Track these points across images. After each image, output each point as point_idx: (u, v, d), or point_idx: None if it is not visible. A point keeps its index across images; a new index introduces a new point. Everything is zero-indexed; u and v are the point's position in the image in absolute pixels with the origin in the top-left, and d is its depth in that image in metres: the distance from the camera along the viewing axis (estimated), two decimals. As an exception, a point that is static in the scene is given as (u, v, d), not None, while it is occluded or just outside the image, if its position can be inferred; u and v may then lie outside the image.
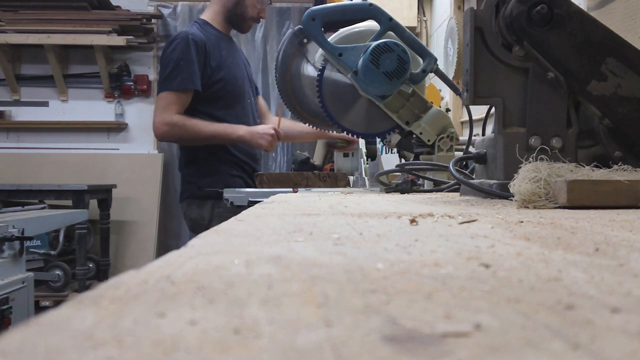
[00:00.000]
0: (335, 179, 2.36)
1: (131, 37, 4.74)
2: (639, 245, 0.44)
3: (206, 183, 2.32)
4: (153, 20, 5.03)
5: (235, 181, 2.36)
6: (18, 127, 5.02)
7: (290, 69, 1.93)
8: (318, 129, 2.03)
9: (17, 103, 5.04)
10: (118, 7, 4.92)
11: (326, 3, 3.43)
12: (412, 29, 3.85)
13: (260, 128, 2.30)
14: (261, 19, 2.40)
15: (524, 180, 0.90)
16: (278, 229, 0.55)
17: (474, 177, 1.33)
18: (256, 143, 2.27)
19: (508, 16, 1.11)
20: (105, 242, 4.49)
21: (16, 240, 2.45)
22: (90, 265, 4.36)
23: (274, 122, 2.52)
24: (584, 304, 0.25)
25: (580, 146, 1.16)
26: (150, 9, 5.08)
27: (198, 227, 2.35)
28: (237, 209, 2.25)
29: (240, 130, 2.25)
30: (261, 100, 2.67)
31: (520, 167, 0.95)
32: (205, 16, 2.38)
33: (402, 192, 1.54)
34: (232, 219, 0.68)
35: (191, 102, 2.27)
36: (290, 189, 2.10)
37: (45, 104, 5.07)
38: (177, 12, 5.08)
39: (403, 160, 1.91)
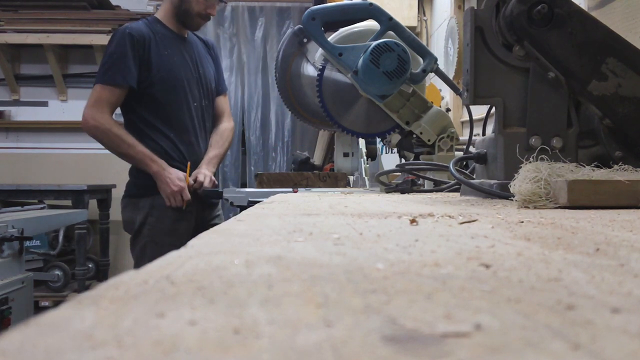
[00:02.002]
0: (336, 179, 2.36)
1: (131, 37, 4.73)
2: (639, 246, 0.44)
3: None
4: (153, 20, 5.02)
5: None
6: (18, 127, 5.01)
7: (290, 69, 1.93)
8: None
9: (17, 103, 5.04)
10: (118, 6, 4.92)
11: (326, 3, 3.42)
12: (412, 28, 3.86)
13: (172, 174, 2.16)
14: (210, 16, 2.28)
15: (524, 180, 0.90)
16: (278, 229, 0.55)
17: (474, 177, 1.33)
18: (161, 187, 2.15)
19: (508, 16, 1.11)
20: (104, 242, 4.49)
21: (16, 240, 2.45)
22: (90, 265, 4.36)
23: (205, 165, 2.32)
24: (584, 304, 0.25)
25: (581, 146, 1.16)
26: (150, 9, 5.08)
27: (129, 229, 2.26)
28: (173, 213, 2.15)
29: (154, 166, 2.14)
30: (220, 101, 2.49)
31: (521, 167, 0.95)
32: (158, 14, 2.33)
33: (402, 192, 1.54)
34: (232, 218, 0.68)
35: (128, 100, 2.20)
36: (290, 189, 2.09)
37: (44, 103, 5.06)
38: (177, 12, 5.07)
39: (403, 160, 1.91)
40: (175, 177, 2.15)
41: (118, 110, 2.25)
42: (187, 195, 2.16)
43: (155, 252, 2.06)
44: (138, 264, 2.19)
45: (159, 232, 2.17)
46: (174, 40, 2.28)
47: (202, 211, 2.29)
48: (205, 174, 2.25)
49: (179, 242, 2.32)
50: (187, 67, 2.29)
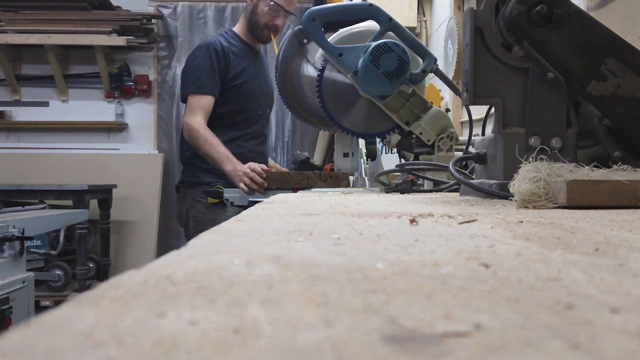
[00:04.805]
0: (337, 179, 2.36)
1: (131, 37, 4.74)
2: (638, 245, 0.44)
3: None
4: (153, 21, 5.03)
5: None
6: (18, 127, 5.02)
7: (290, 69, 1.93)
8: None
9: (18, 103, 5.04)
10: (118, 7, 4.92)
11: (326, 3, 3.42)
12: (412, 29, 3.86)
13: (242, 167, 2.27)
14: (278, 27, 2.47)
15: (523, 180, 0.90)
16: (278, 229, 0.55)
17: (473, 177, 1.33)
18: (235, 182, 2.29)
19: (508, 16, 1.11)
20: (105, 242, 4.49)
21: (16, 240, 2.45)
22: (91, 265, 4.36)
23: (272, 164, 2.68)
24: (583, 304, 0.25)
25: (580, 146, 1.16)
26: (151, 9, 5.08)
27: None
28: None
29: (229, 165, 2.30)
30: None
31: (520, 167, 0.95)
32: (235, 28, 2.57)
33: (402, 192, 1.54)
34: (232, 218, 0.68)
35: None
36: (291, 191, 2.10)
37: (45, 104, 5.07)
38: (177, 12, 5.08)
39: (403, 160, 1.91)
40: (242, 169, 2.26)
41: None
42: (259, 179, 2.22)
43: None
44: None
45: (201, 222, 2.36)
46: (249, 53, 2.52)
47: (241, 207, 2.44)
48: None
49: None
50: (259, 79, 2.54)
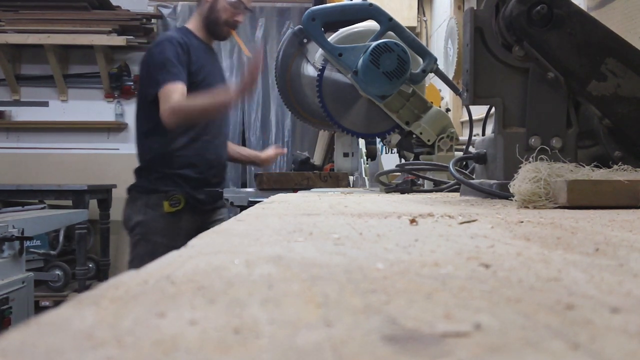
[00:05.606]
0: (337, 179, 2.36)
1: (131, 37, 4.74)
2: (639, 246, 0.44)
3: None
4: (153, 20, 5.02)
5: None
6: (18, 127, 5.02)
7: (290, 69, 1.93)
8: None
9: (17, 103, 5.04)
10: (118, 7, 4.92)
11: (326, 3, 3.42)
12: (412, 29, 3.85)
13: (231, 87, 2.25)
14: (238, 23, 2.40)
15: (524, 180, 0.90)
16: (278, 229, 0.55)
17: (474, 177, 1.33)
18: (235, 99, 2.25)
19: (508, 16, 1.11)
20: (105, 242, 4.49)
21: (16, 240, 2.46)
22: (90, 265, 4.36)
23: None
24: (583, 304, 0.25)
25: (580, 146, 1.16)
26: (151, 9, 5.08)
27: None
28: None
29: (221, 98, 2.21)
30: None
31: (520, 167, 0.95)
32: (188, 25, 2.44)
33: (402, 192, 1.54)
34: (232, 218, 0.68)
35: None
36: (291, 191, 2.10)
37: (45, 104, 5.06)
38: (177, 12, 5.08)
39: (403, 160, 1.91)
40: (233, 88, 2.21)
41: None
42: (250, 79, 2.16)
43: (147, 249, 2.17)
44: (130, 259, 2.30)
45: (152, 230, 2.22)
46: (205, 50, 2.39)
47: (201, 214, 2.32)
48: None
49: (170, 241, 2.33)
50: (217, 76, 2.42)
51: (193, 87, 2.24)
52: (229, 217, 2.38)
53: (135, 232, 2.24)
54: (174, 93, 2.18)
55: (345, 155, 2.50)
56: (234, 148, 2.67)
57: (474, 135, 1.75)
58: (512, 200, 0.92)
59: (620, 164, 0.98)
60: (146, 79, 2.29)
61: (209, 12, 2.35)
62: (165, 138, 2.24)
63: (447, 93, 3.43)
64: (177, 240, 2.26)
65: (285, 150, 2.51)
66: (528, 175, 0.90)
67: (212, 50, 2.46)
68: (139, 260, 2.18)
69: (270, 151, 2.68)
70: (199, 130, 2.29)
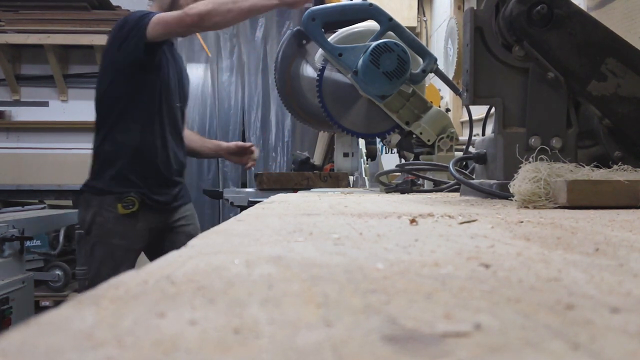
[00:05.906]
0: (337, 179, 2.36)
1: (131, 37, 4.73)
2: (638, 246, 0.44)
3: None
4: (153, 20, 5.02)
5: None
6: (18, 127, 5.01)
7: (289, 70, 1.93)
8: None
9: (17, 103, 5.04)
10: (118, 7, 4.91)
11: (326, 3, 3.42)
12: (412, 29, 3.86)
13: None
14: None
15: (524, 180, 0.90)
16: (278, 229, 0.55)
17: (474, 177, 1.33)
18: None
19: (508, 16, 1.11)
20: (105, 242, 4.49)
21: (16, 240, 2.46)
22: (90, 265, 4.36)
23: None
24: (583, 304, 0.25)
25: (580, 146, 1.16)
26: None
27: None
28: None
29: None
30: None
31: (520, 167, 0.95)
32: None
33: (402, 192, 1.54)
34: (232, 219, 0.68)
35: (126, 90, 2.15)
36: (291, 191, 2.09)
37: (45, 104, 5.06)
38: (177, 12, 5.07)
39: (403, 160, 1.91)
40: None
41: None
42: None
43: (105, 252, 2.11)
44: (87, 263, 2.22)
45: (108, 233, 2.13)
46: (166, 44, 2.26)
47: (160, 214, 2.23)
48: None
49: (129, 243, 2.24)
50: (176, 72, 2.29)
51: (149, 80, 2.14)
52: (195, 213, 2.38)
53: (91, 234, 2.15)
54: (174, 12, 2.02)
55: (345, 155, 2.50)
56: (200, 141, 2.60)
57: (474, 135, 1.75)
58: (512, 200, 0.92)
59: (620, 164, 0.98)
60: (117, 42, 2.10)
61: (170, 6, 2.22)
62: (120, 136, 2.14)
63: (447, 93, 3.43)
64: (137, 241, 2.21)
65: (255, 148, 2.44)
66: (528, 175, 0.90)
67: (173, 45, 2.35)
68: (97, 263, 2.11)
69: (233, 143, 2.64)
70: (154, 128, 2.18)
